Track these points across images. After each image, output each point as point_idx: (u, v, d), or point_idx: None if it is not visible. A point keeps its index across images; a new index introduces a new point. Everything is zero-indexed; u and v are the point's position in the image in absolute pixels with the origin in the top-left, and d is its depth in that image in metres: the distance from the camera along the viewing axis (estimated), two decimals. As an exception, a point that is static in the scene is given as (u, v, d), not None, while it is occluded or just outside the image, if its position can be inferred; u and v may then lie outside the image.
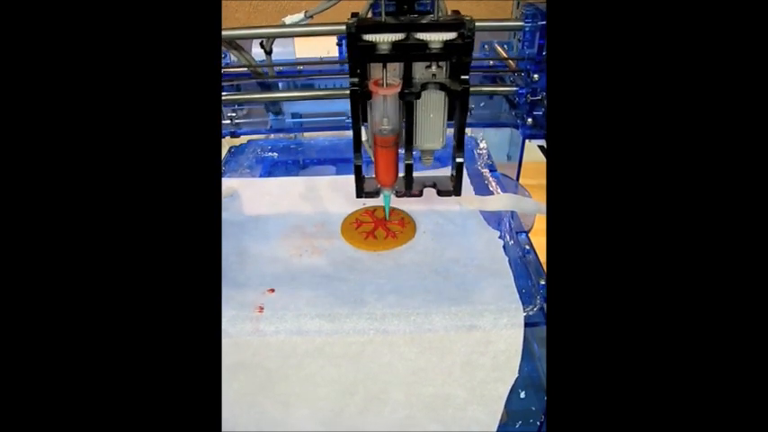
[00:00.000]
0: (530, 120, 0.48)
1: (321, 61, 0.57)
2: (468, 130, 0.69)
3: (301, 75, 0.56)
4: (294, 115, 0.58)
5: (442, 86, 0.37)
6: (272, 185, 0.54)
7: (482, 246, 0.43)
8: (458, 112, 0.38)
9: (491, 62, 0.58)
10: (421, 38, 0.34)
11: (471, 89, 0.37)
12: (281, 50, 0.55)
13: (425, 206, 0.49)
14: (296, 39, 0.60)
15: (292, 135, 0.71)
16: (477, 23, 0.35)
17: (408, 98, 0.36)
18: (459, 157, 0.40)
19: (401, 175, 0.41)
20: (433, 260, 0.42)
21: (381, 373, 0.37)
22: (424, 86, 0.37)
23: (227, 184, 0.54)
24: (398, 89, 0.36)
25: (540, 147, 0.52)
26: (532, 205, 0.49)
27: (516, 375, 0.37)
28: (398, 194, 0.42)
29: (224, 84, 0.53)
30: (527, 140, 0.56)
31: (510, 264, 0.41)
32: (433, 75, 0.37)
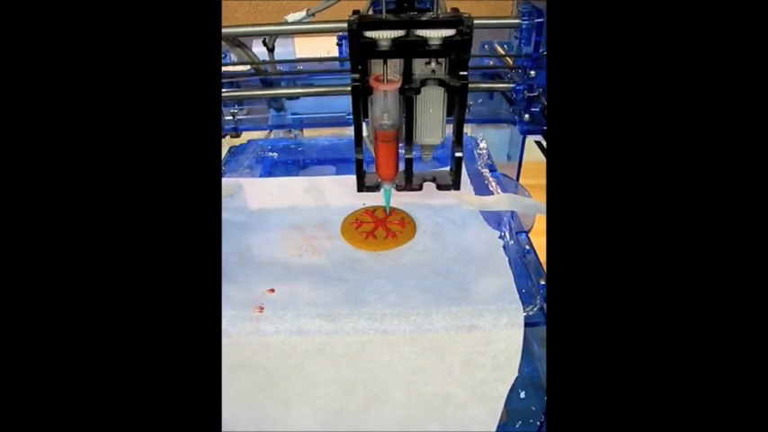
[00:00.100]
0: (527, 116, 0.49)
1: (323, 58, 0.58)
2: (468, 130, 0.69)
3: (302, 72, 0.56)
4: (295, 121, 0.58)
5: (441, 82, 0.38)
6: (272, 185, 0.54)
7: (482, 246, 0.43)
8: (457, 107, 0.38)
9: (491, 62, 0.58)
10: (421, 35, 0.35)
11: (469, 86, 0.37)
12: (281, 51, 0.55)
13: (426, 206, 0.49)
14: (296, 39, 0.60)
15: (292, 135, 0.71)
16: (474, 21, 0.35)
17: (408, 94, 0.37)
18: (458, 152, 0.40)
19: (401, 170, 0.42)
20: (433, 260, 0.42)
21: (381, 372, 0.37)
22: (424, 82, 0.38)
23: (228, 183, 0.54)
24: (399, 85, 0.37)
25: (538, 143, 0.52)
26: (532, 205, 0.49)
27: (516, 375, 0.37)
28: (399, 188, 0.43)
29: (224, 81, 0.53)
30: (527, 141, 0.56)
31: (510, 264, 0.41)
32: (433, 71, 0.38)
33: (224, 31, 0.47)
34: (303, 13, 0.47)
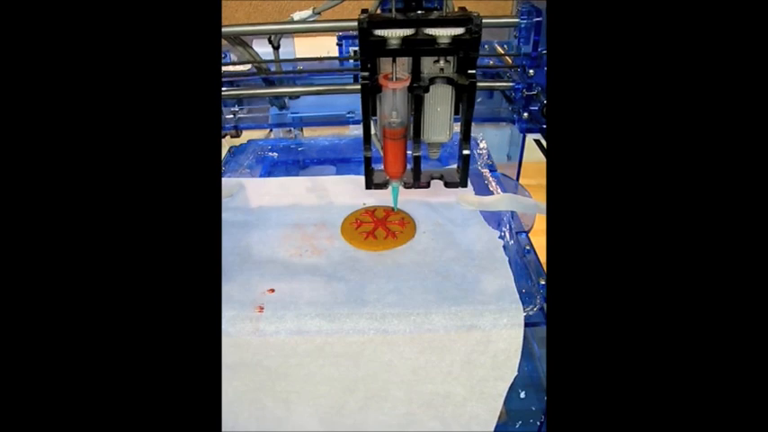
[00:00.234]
0: (525, 114, 0.49)
1: (324, 57, 0.58)
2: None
3: (302, 71, 0.56)
4: (295, 119, 0.58)
5: (449, 81, 0.38)
6: (272, 185, 0.54)
7: (482, 246, 0.43)
8: (464, 105, 0.39)
9: (491, 61, 0.58)
10: (430, 33, 0.35)
11: None
12: (282, 51, 0.55)
13: (426, 206, 0.49)
14: (296, 40, 0.60)
15: (293, 135, 0.71)
16: None
17: (417, 92, 0.38)
18: (466, 150, 0.41)
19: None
20: (433, 260, 0.42)
21: (381, 371, 0.37)
22: (432, 81, 0.38)
23: (228, 183, 0.54)
24: (407, 83, 0.37)
25: (537, 141, 0.52)
26: (532, 205, 0.49)
27: (516, 374, 0.37)
28: (407, 186, 0.43)
29: (225, 80, 0.53)
30: (526, 140, 0.56)
31: (510, 264, 0.41)
32: (441, 69, 0.39)
33: (226, 29, 0.47)
34: (309, 12, 0.47)
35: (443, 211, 0.48)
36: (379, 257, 0.42)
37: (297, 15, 0.48)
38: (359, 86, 0.37)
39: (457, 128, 0.41)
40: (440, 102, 0.40)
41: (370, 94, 0.38)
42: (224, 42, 0.51)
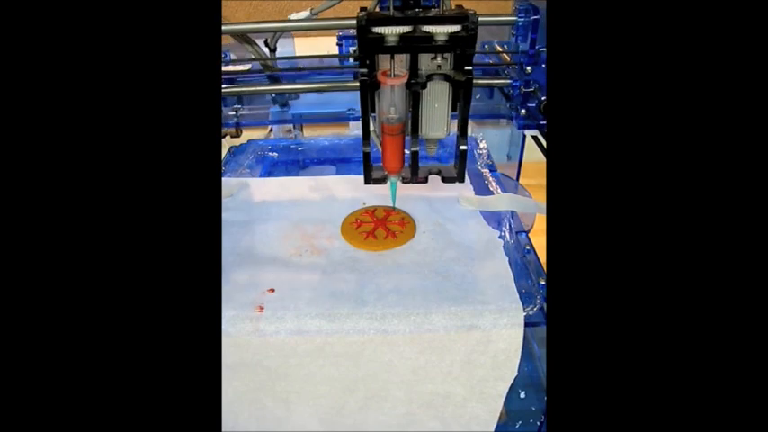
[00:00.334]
0: (523, 111, 0.49)
1: (324, 55, 0.58)
2: (468, 130, 0.69)
3: (303, 69, 0.57)
4: (295, 116, 0.58)
5: (446, 77, 0.39)
6: (272, 185, 0.55)
7: (482, 246, 0.43)
8: (461, 102, 0.39)
9: (490, 60, 0.58)
10: (427, 30, 0.36)
11: None
12: (282, 51, 0.55)
13: (426, 206, 0.49)
14: (296, 40, 0.60)
15: (293, 135, 0.71)
16: None
17: (415, 88, 0.38)
18: (463, 145, 0.41)
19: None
20: (433, 260, 0.42)
21: (381, 371, 0.37)
22: (430, 77, 0.39)
23: (228, 183, 0.54)
24: (405, 79, 0.38)
25: (534, 138, 0.52)
26: (532, 205, 0.49)
27: (516, 374, 0.37)
28: (405, 181, 0.44)
29: (225, 78, 0.53)
30: (526, 141, 0.56)
31: (510, 264, 0.41)
32: (438, 66, 0.39)
33: (232, 27, 0.47)
34: (306, 13, 0.48)
35: (443, 211, 0.48)
36: (379, 257, 0.42)
37: (294, 16, 0.48)
38: (358, 83, 0.38)
39: (455, 128, 0.41)
40: (437, 98, 0.40)
41: (369, 91, 0.38)
42: (227, 41, 0.51)
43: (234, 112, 0.55)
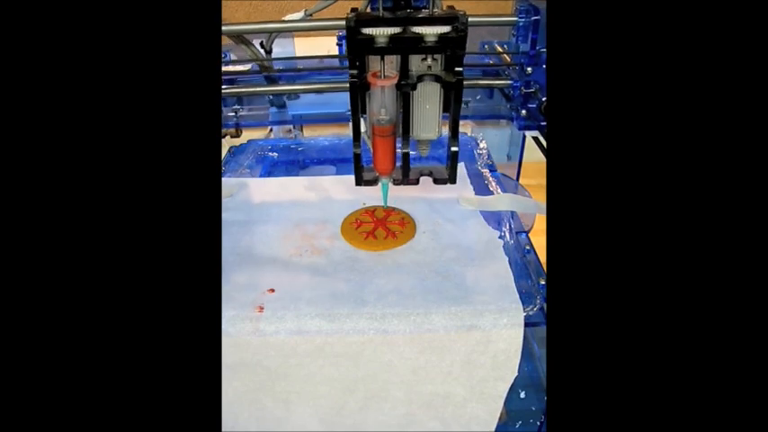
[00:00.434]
0: (524, 111, 0.49)
1: (324, 56, 0.58)
2: (468, 130, 0.69)
3: (303, 69, 0.57)
4: (295, 117, 0.58)
5: (437, 78, 0.39)
6: (272, 185, 0.55)
7: (482, 246, 0.43)
8: (452, 102, 0.39)
9: (491, 60, 0.58)
10: (417, 31, 0.36)
11: (468, 82, 0.39)
12: (281, 51, 0.55)
13: (426, 206, 0.49)
14: (296, 40, 0.60)
15: (292, 135, 0.71)
16: (472, 20, 0.36)
17: (405, 89, 0.38)
18: (454, 146, 0.41)
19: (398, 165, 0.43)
20: (433, 260, 0.42)
21: (381, 371, 0.37)
22: (420, 78, 0.39)
23: (228, 183, 0.54)
24: (395, 81, 0.38)
25: (535, 138, 0.52)
26: (532, 205, 0.49)
27: (516, 374, 0.37)
28: (396, 182, 0.44)
29: (225, 79, 0.53)
30: (526, 141, 0.56)
31: (510, 264, 0.41)
32: (429, 67, 0.39)
33: (227, 28, 0.47)
34: (301, 14, 0.48)
35: (443, 211, 0.48)
36: (379, 257, 0.42)
37: (289, 17, 0.48)
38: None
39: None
40: (428, 99, 0.40)
41: (359, 92, 0.38)
42: (226, 42, 0.51)
43: (234, 113, 0.55)
